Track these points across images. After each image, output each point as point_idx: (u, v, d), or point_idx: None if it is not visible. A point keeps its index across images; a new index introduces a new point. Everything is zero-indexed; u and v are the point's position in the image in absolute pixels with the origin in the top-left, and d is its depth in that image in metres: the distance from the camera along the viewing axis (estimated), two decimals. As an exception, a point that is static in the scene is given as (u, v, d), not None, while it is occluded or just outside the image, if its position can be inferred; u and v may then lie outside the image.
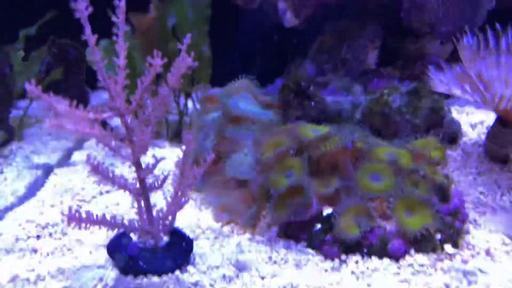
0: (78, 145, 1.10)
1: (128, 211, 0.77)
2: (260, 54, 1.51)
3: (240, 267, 0.63)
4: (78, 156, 1.02)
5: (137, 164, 0.59)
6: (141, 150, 0.58)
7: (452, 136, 0.87)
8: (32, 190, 0.87)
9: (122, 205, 0.79)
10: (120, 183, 0.59)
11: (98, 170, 0.57)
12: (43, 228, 0.73)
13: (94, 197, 0.83)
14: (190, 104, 1.13)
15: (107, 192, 0.84)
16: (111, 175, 0.58)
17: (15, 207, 0.81)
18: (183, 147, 0.60)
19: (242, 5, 1.20)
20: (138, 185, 0.61)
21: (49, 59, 1.10)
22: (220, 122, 0.83)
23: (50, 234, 0.71)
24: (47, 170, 0.96)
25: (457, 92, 0.76)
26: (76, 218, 0.57)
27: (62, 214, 0.57)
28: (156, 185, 0.63)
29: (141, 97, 0.57)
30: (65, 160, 1.02)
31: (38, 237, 0.71)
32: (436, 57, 1.10)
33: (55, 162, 1.00)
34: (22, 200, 0.84)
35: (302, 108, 0.92)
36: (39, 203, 0.81)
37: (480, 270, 0.61)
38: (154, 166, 0.60)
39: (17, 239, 0.70)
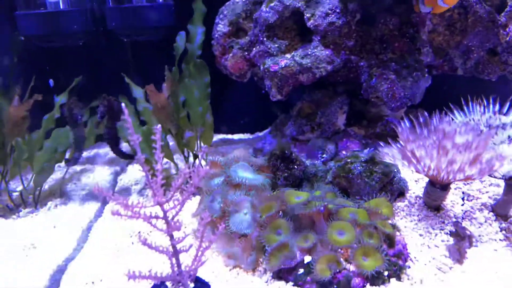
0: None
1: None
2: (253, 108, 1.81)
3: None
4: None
5: (171, 237, 0.84)
6: (174, 228, 0.84)
7: (401, 191, 1.15)
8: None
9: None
10: (161, 250, 0.84)
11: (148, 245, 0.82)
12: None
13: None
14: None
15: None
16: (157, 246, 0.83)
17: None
18: (200, 221, 0.85)
19: (235, 79, 1.48)
20: (171, 249, 0.86)
21: (102, 108, 1.34)
22: (224, 188, 1.09)
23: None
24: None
25: (399, 163, 1.03)
26: (134, 276, 0.82)
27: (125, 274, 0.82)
28: (183, 249, 0.88)
29: (173, 193, 0.82)
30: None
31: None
32: (392, 118, 1.39)
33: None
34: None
35: (288, 170, 1.19)
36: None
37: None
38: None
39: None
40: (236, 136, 1.85)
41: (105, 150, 1.75)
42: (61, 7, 1.43)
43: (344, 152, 1.31)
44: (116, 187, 1.45)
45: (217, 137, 1.81)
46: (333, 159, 1.25)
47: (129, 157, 1.45)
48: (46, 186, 1.38)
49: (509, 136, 1.06)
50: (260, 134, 1.84)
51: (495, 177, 1.02)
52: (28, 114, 1.21)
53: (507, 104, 1.08)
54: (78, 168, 1.56)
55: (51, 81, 1.35)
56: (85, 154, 1.63)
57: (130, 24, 1.37)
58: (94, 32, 1.48)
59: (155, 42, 1.50)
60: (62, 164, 1.46)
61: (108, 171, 1.56)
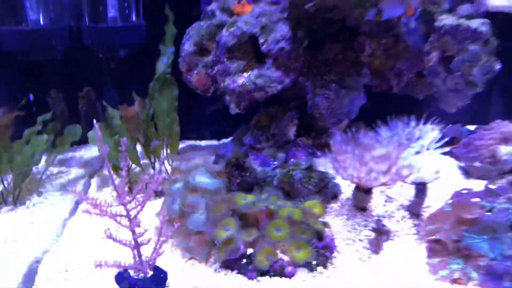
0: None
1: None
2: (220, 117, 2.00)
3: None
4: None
5: (133, 232, 1.01)
6: (135, 224, 1.01)
7: (335, 194, 1.35)
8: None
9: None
10: (125, 243, 1.01)
11: (113, 238, 0.99)
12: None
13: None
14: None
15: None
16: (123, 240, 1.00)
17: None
18: (160, 218, 1.02)
19: (200, 93, 1.65)
20: (133, 243, 1.03)
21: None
22: (183, 191, 1.26)
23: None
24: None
25: (331, 171, 1.23)
26: (101, 264, 0.98)
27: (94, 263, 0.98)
28: (144, 242, 1.05)
29: (135, 196, 0.99)
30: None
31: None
32: (335, 130, 1.59)
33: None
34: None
35: (241, 176, 1.37)
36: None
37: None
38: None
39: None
40: (204, 143, 2.02)
41: (80, 153, 1.90)
42: (42, 23, 1.58)
43: (292, 160, 1.50)
44: (89, 188, 1.61)
45: (186, 143, 1.98)
46: (283, 167, 1.44)
47: None
48: (24, 187, 1.53)
49: (422, 145, 1.27)
50: (226, 141, 2.02)
51: (407, 182, 1.23)
52: (10, 124, 1.35)
53: (422, 120, 1.29)
54: (54, 170, 1.71)
55: (30, 95, 1.49)
56: (61, 157, 1.78)
57: (105, 43, 1.53)
58: (72, 48, 1.63)
59: (129, 58, 1.66)
60: (40, 166, 1.60)
61: (83, 173, 1.71)
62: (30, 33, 1.49)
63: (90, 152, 1.89)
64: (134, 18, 1.63)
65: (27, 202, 1.45)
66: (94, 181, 1.64)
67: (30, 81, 1.73)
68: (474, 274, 1.06)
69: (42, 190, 1.55)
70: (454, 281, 1.07)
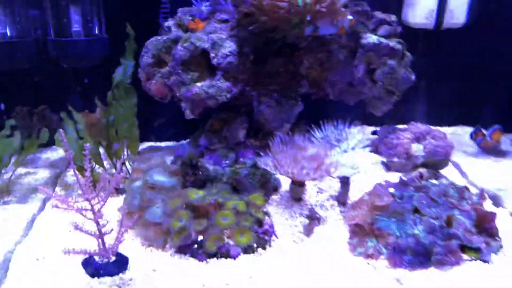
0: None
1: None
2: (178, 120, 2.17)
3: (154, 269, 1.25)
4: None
5: (97, 223, 1.18)
6: (99, 216, 1.18)
7: (275, 187, 1.57)
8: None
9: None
10: (90, 233, 1.18)
11: (80, 229, 1.15)
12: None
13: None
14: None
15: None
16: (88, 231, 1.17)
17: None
18: (121, 212, 1.20)
19: (158, 100, 1.83)
20: (97, 233, 1.20)
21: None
22: (142, 188, 1.44)
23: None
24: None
25: (271, 169, 1.45)
26: (69, 251, 1.15)
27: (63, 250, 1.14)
28: (108, 232, 1.22)
29: (98, 192, 1.16)
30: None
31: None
32: (280, 132, 1.81)
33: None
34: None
35: (194, 175, 1.56)
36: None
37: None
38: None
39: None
40: (163, 144, 2.20)
41: (47, 155, 2.03)
42: (8, 34, 1.70)
43: (241, 159, 1.70)
44: (56, 186, 1.75)
45: (146, 144, 2.15)
46: (232, 166, 1.64)
47: None
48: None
49: (348, 148, 1.52)
50: (184, 142, 2.20)
51: (333, 177, 1.47)
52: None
53: (347, 123, 1.54)
54: (23, 170, 1.83)
55: (2, 105, 1.62)
56: (28, 158, 1.91)
57: (68, 55, 1.68)
58: (38, 59, 1.76)
59: (92, 68, 1.81)
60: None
61: (49, 173, 1.85)
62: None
63: (57, 153, 2.03)
64: (96, 32, 1.78)
65: (-1, 200, 1.58)
66: (60, 180, 1.79)
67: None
68: (384, 250, 1.30)
69: (13, 189, 1.68)
70: (369, 256, 1.30)
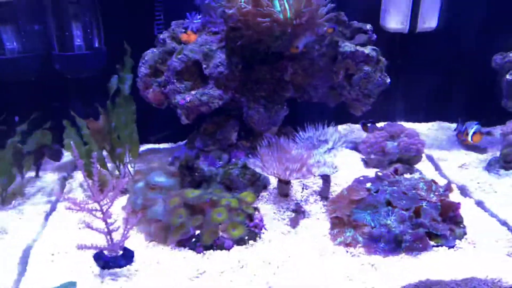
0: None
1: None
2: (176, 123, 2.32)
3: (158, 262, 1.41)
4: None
5: (106, 222, 1.34)
6: (107, 216, 1.34)
7: (265, 185, 1.73)
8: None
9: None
10: (99, 231, 1.34)
11: (90, 227, 1.32)
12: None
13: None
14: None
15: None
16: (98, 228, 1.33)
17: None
18: (126, 212, 1.36)
19: (155, 106, 1.98)
20: (106, 230, 1.36)
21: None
22: (144, 189, 1.60)
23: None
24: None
25: (259, 169, 1.61)
26: (82, 247, 1.31)
27: (77, 245, 1.30)
28: (115, 229, 1.38)
29: (106, 194, 1.32)
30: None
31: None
32: (269, 134, 1.97)
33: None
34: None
35: (191, 176, 1.72)
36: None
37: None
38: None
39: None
40: (162, 146, 2.35)
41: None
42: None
43: (233, 160, 1.86)
44: (65, 188, 1.91)
45: (146, 147, 2.30)
46: (224, 166, 1.80)
47: None
48: (10, 189, 1.79)
49: (328, 148, 1.68)
50: (182, 143, 2.35)
51: (315, 176, 1.63)
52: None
53: (325, 126, 1.70)
54: (33, 174, 1.98)
55: (16, 118, 1.77)
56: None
57: (70, 68, 1.84)
58: (43, 71, 1.92)
59: (93, 79, 1.96)
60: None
61: (57, 176, 2.00)
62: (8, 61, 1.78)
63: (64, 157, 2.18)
64: (96, 45, 1.93)
65: (13, 202, 1.74)
66: (68, 183, 1.95)
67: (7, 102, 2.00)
68: (360, 238, 1.47)
69: (25, 192, 1.83)
70: (347, 244, 1.46)
